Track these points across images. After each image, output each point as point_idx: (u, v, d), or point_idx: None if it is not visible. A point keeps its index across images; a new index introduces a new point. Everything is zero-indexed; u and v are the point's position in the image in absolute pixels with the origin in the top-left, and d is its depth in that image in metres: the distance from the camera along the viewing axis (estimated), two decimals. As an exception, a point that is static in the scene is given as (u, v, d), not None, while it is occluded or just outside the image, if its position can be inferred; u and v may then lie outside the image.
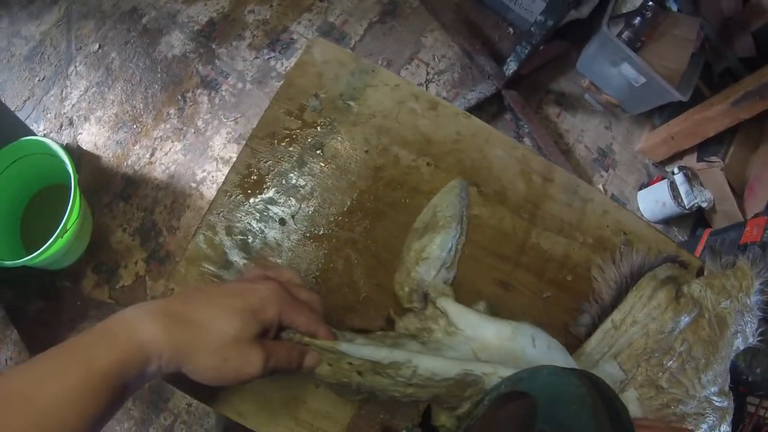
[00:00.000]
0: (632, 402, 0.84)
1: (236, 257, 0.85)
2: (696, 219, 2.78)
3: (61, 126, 2.32)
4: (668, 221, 2.72)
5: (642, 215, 2.72)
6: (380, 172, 0.92)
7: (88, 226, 2.10)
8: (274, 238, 0.87)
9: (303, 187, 0.90)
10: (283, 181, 0.90)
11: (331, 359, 0.72)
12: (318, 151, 0.92)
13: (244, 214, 0.88)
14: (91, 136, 2.32)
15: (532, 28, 2.10)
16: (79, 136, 2.32)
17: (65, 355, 0.54)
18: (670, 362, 0.85)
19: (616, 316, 0.87)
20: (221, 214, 0.88)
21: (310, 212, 0.89)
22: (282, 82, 0.96)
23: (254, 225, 0.87)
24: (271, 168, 0.90)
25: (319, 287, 0.86)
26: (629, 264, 0.94)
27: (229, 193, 0.89)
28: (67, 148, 2.23)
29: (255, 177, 0.90)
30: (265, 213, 0.88)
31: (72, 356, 0.54)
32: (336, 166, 0.92)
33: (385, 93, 0.97)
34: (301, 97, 0.95)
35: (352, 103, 0.95)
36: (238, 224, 0.87)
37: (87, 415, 0.53)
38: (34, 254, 1.74)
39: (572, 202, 0.99)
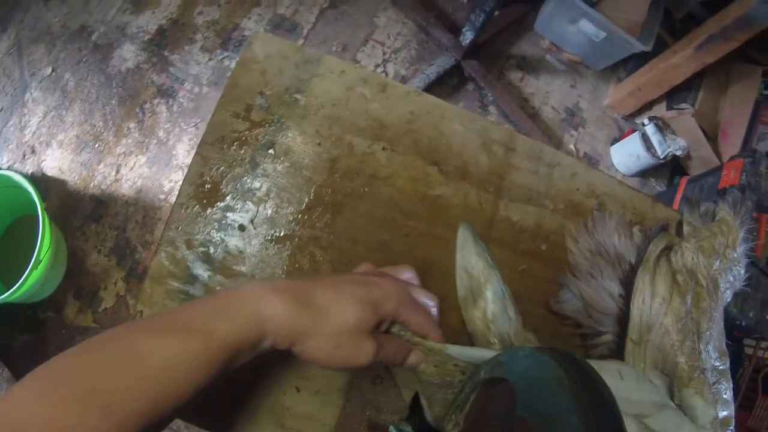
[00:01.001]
0: (695, 401, 0.79)
1: (200, 270, 0.82)
2: (672, 168, 2.79)
3: (24, 155, 2.28)
4: (644, 173, 2.72)
5: (617, 170, 2.72)
6: (335, 163, 0.90)
7: (62, 253, 2.06)
8: (236, 246, 0.84)
9: (258, 189, 0.87)
10: (238, 186, 0.87)
11: (437, 361, 0.73)
12: (270, 151, 0.89)
13: (202, 225, 0.85)
14: (55, 161, 2.28)
15: (485, -6, 2.08)
16: (43, 163, 2.28)
17: (190, 324, 0.57)
18: (691, 344, 0.82)
19: (633, 334, 0.83)
20: (180, 228, 0.85)
21: (269, 214, 0.86)
22: (226, 83, 0.93)
23: (214, 235, 0.85)
24: (224, 174, 0.87)
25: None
26: (602, 229, 0.91)
27: (185, 206, 0.86)
28: (32, 177, 2.22)
29: (209, 186, 0.87)
30: (223, 221, 0.85)
31: (196, 326, 0.56)
32: (289, 163, 0.89)
33: (332, 81, 0.94)
34: (246, 96, 0.92)
35: (299, 96, 0.92)
36: (198, 236, 0.84)
37: (196, 382, 0.54)
38: (11, 291, 1.71)
39: (538, 168, 0.97)
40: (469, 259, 0.83)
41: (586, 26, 2.52)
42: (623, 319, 0.84)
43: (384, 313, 0.66)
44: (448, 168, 0.93)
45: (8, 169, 2.18)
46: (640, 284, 0.84)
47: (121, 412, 0.49)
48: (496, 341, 0.79)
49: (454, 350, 0.72)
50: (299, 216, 0.87)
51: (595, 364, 0.72)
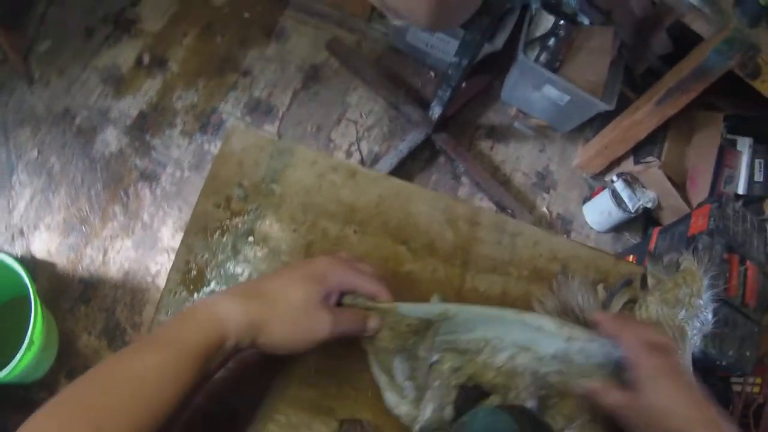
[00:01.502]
0: None
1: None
2: (645, 219, 2.82)
3: (13, 237, 2.33)
4: (618, 228, 2.77)
5: (591, 228, 2.77)
6: (311, 247, 0.96)
7: (53, 334, 2.09)
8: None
9: (240, 274, 0.93)
10: (222, 272, 0.93)
11: (391, 323, 0.79)
12: (249, 238, 0.95)
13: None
14: (44, 244, 2.33)
15: (449, 71, 2.15)
16: (32, 246, 2.32)
17: (160, 339, 0.64)
18: None
19: None
20: (169, 312, 0.91)
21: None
22: (207, 175, 1.00)
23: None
24: (209, 261, 0.94)
25: (274, 365, 0.87)
26: (566, 290, 0.95)
27: (173, 291, 0.92)
28: (21, 259, 2.25)
29: (195, 272, 0.93)
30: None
31: (165, 340, 0.63)
32: (268, 249, 0.95)
33: (304, 170, 1.01)
34: (225, 187, 0.98)
35: (274, 186, 0.99)
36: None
37: (177, 390, 0.59)
38: (4, 372, 1.73)
39: (501, 239, 1.02)
40: (454, 323, 0.85)
41: (550, 91, 2.60)
42: None
43: (330, 284, 0.74)
44: (416, 246, 0.99)
45: (-2, 251, 2.23)
46: None
47: (110, 430, 0.54)
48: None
49: (406, 308, 0.79)
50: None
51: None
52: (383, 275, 0.92)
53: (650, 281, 0.96)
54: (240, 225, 0.96)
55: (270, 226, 0.97)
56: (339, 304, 0.78)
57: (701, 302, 0.91)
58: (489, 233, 1.02)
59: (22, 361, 1.78)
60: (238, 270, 0.93)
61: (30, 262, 2.29)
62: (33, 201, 2.40)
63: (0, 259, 1.88)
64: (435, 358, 0.81)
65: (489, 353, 0.81)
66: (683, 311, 0.89)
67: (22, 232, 2.34)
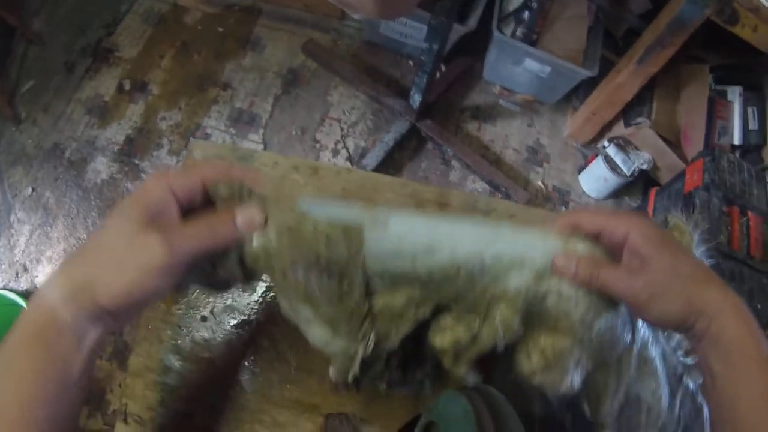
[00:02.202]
0: None
1: (172, 360, 0.89)
2: (644, 182, 2.81)
3: (17, 274, 2.35)
4: (617, 193, 2.75)
5: (589, 196, 2.77)
6: (279, 245, 0.96)
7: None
8: (201, 336, 0.91)
9: (214, 282, 0.94)
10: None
11: (290, 221, 0.60)
12: (220, 246, 0.96)
13: (169, 321, 0.92)
14: (47, 277, 2.32)
15: (422, 57, 2.16)
16: (36, 279, 2.34)
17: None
18: None
19: None
20: (150, 326, 0.93)
21: (227, 303, 0.94)
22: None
23: (181, 329, 0.92)
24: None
25: (253, 368, 0.89)
26: None
27: (152, 307, 0.93)
28: (27, 294, 2.26)
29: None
30: (187, 315, 0.93)
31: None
32: (238, 254, 0.96)
33: (267, 173, 1.02)
34: (192, 199, 0.99)
35: (239, 191, 1.00)
36: (167, 331, 0.91)
37: (28, 381, 0.52)
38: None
39: (475, 217, 1.02)
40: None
41: (531, 65, 2.60)
42: None
43: (148, 198, 0.57)
44: (386, 233, 0.99)
45: (4, 288, 2.24)
46: None
47: None
48: None
49: (310, 206, 0.62)
50: (254, 302, 0.94)
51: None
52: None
53: None
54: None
55: (238, 231, 0.97)
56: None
57: None
58: (461, 212, 1.03)
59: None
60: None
61: (36, 297, 2.29)
62: (32, 236, 2.42)
63: (5, 295, 1.91)
64: (377, 286, 0.64)
65: (466, 278, 0.63)
66: None
67: (25, 268, 2.36)
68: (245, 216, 0.59)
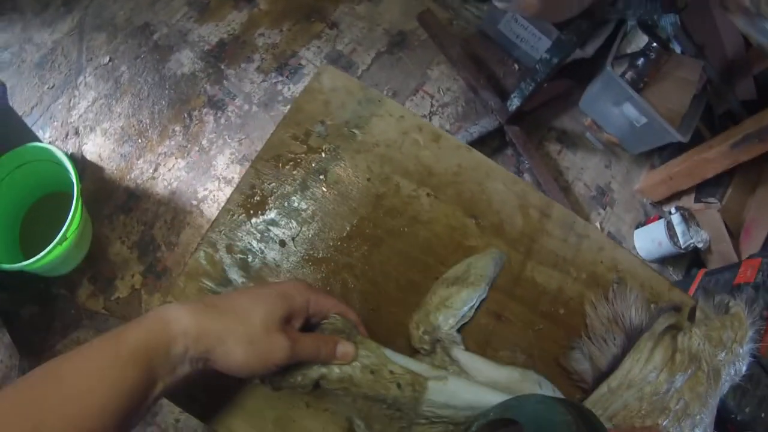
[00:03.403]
0: None
1: (235, 275, 0.86)
2: (691, 259, 2.78)
3: (67, 135, 2.35)
4: (663, 260, 2.72)
5: (638, 254, 2.73)
6: (381, 200, 0.95)
7: (87, 235, 2.11)
8: (274, 259, 0.89)
9: (305, 210, 0.92)
10: (285, 204, 0.92)
11: (374, 365, 0.73)
12: (321, 176, 0.94)
13: (245, 233, 0.90)
14: (96, 147, 2.34)
15: (537, 66, 2.12)
16: (84, 147, 2.34)
17: (101, 340, 0.59)
18: (665, 422, 0.84)
19: (613, 382, 0.86)
20: (223, 232, 0.89)
21: (310, 235, 0.91)
22: (289, 107, 0.98)
23: (255, 245, 0.89)
24: (275, 190, 0.92)
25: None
26: (621, 301, 0.94)
27: (231, 212, 0.91)
28: (71, 157, 2.26)
29: (258, 198, 0.92)
30: (266, 234, 0.90)
31: (106, 339, 0.59)
32: (338, 191, 0.94)
33: (389, 123, 1.00)
34: (307, 122, 0.97)
35: (357, 131, 0.98)
36: (239, 243, 0.89)
37: (115, 388, 0.56)
38: (33, 259, 1.74)
39: (568, 237, 1.00)
40: (480, 262, 0.89)
41: (629, 110, 2.56)
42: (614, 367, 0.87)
43: (294, 304, 0.69)
44: (485, 223, 0.97)
45: (50, 144, 2.24)
46: (642, 345, 0.87)
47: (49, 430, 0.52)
48: (427, 326, 0.84)
49: (391, 353, 0.74)
50: (339, 242, 0.91)
51: (517, 371, 0.82)
52: (447, 244, 0.91)
53: (698, 315, 0.96)
54: (314, 162, 0.95)
55: (344, 169, 0.95)
56: (310, 329, 0.74)
57: (741, 351, 0.91)
58: (557, 228, 1.01)
59: (52, 254, 1.79)
60: (303, 205, 0.92)
61: (80, 162, 2.30)
62: (95, 104, 2.41)
63: (52, 151, 1.88)
64: (420, 419, 0.76)
65: None
66: (723, 353, 0.89)
67: (77, 132, 2.35)
68: (345, 348, 0.72)
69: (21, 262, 1.75)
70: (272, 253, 0.89)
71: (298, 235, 0.91)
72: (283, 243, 0.90)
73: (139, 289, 2.13)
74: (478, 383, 0.77)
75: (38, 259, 1.75)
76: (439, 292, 0.87)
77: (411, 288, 0.91)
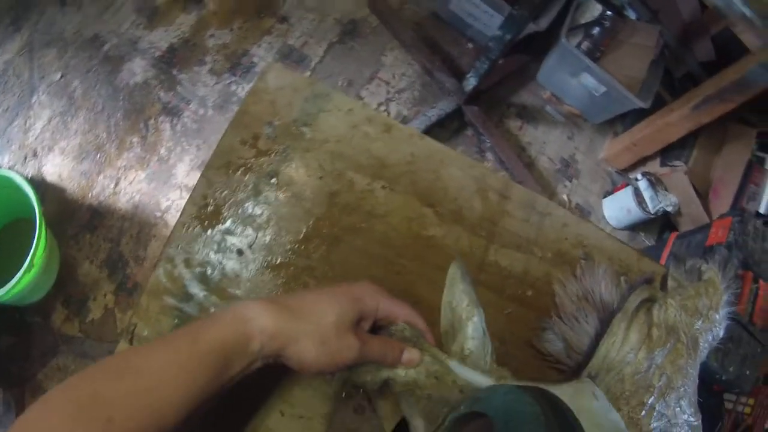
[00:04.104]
0: None
1: (196, 289, 0.85)
2: (662, 223, 2.81)
3: (26, 158, 2.31)
4: (634, 227, 2.74)
5: (608, 222, 2.75)
6: (335, 197, 0.93)
7: (55, 259, 2.08)
8: (233, 269, 0.87)
9: (259, 216, 0.90)
10: (239, 211, 0.90)
11: (438, 372, 0.75)
12: (273, 180, 0.92)
13: (202, 245, 0.88)
14: (56, 167, 2.31)
15: (490, 44, 2.12)
16: (44, 168, 2.30)
17: (176, 335, 0.61)
18: (651, 399, 0.83)
19: (591, 369, 0.85)
20: (180, 246, 0.87)
21: (267, 241, 0.89)
22: (236, 110, 0.97)
23: (212, 256, 0.87)
24: (227, 198, 0.91)
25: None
26: (590, 277, 0.94)
27: (186, 225, 0.89)
28: (31, 180, 2.23)
29: (211, 208, 0.90)
30: (222, 244, 0.88)
31: (182, 334, 0.61)
32: (291, 193, 0.92)
33: (338, 117, 0.98)
34: (255, 125, 0.95)
35: (305, 129, 0.96)
36: (197, 256, 0.87)
37: (191, 381, 0.58)
38: (1, 291, 1.72)
39: (530, 217, 1.00)
40: (455, 296, 0.84)
41: (587, 80, 2.57)
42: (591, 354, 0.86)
43: (365, 308, 0.71)
44: (443, 210, 0.96)
45: (9, 170, 2.20)
46: (615, 328, 0.86)
47: (121, 423, 0.52)
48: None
49: (456, 366, 0.76)
50: (296, 245, 0.90)
51: (571, 387, 0.77)
52: (405, 236, 0.91)
53: (671, 283, 0.96)
54: (265, 165, 0.93)
55: (296, 170, 0.94)
56: (376, 331, 0.76)
57: (718, 317, 0.91)
58: (518, 209, 1.00)
59: (20, 283, 1.77)
60: (257, 211, 0.91)
61: (40, 184, 2.27)
62: (50, 123, 2.37)
63: (10, 177, 1.86)
64: None
65: None
66: (700, 322, 0.89)
67: (35, 153, 2.32)
68: (410, 355, 0.74)
69: (-10, 294, 1.72)
70: (231, 263, 0.87)
71: (254, 242, 0.89)
72: (240, 252, 0.88)
73: (112, 308, 2.10)
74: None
75: (7, 291, 1.73)
76: (452, 350, 0.84)
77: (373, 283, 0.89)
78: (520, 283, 0.95)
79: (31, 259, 1.76)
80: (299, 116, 0.97)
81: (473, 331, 0.81)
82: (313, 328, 0.66)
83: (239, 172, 0.92)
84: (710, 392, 1.91)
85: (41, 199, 1.90)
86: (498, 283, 0.94)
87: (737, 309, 1.89)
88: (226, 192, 0.91)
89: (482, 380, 0.75)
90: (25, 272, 1.74)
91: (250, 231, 0.89)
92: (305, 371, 0.67)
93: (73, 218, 2.23)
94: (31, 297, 2.02)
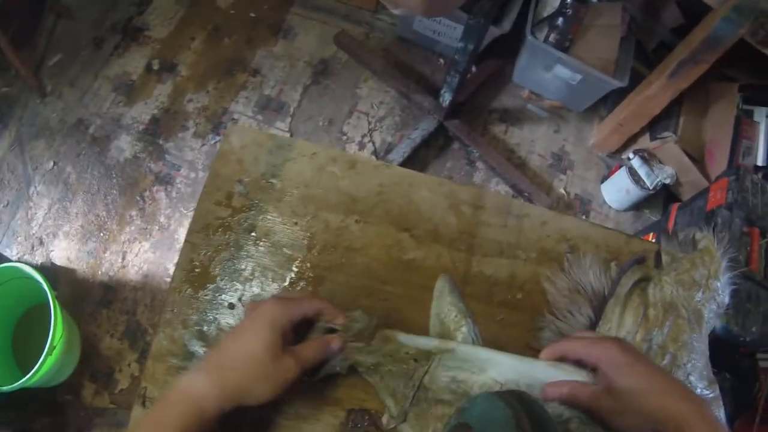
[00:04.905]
0: None
1: (196, 347, 0.88)
2: (665, 196, 2.79)
3: (33, 247, 2.36)
4: (637, 206, 2.73)
5: (609, 206, 2.75)
6: (313, 239, 0.96)
7: (75, 338, 2.12)
8: (227, 323, 0.90)
9: (244, 270, 0.94)
10: (225, 268, 0.94)
11: (391, 351, 0.82)
12: (251, 233, 0.96)
13: (195, 306, 0.91)
14: (63, 251, 2.36)
15: (456, 56, 2.14)
16: (52, 253, 2.36)
17: (142, 427, 0.70)
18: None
19: None
20: (175, 310, 0.91)
21: (255, 291, 0.92)
22: (207, 176, 1.00)
23: (207, 315, 0.91)
24: (212, 258, 0.94)
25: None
26: (578, 269, 0.95)
27: (178, 290, 0.93)
28: (41, 267, 2.29)
29: (198, 270, 0.93)
30: (214, 301, 0.92)
31: (147, 425, 0.70)
32: (270, 243, 0.95)
33: (303, 163, 1.01)
34: (226, 185, 0.99)
35: (274, 180, 0.99)
36: (193, 317, 0.90)
37: None
38: (27, 376, 1.76)
39: (507, 222, 1.01)
40: (443, 308, 0.86)
41: (561, 71, 2.58)
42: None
43: (281, 325, 0.75)
44: (419, 232, 0.98)
45: (18, 260, 2.25)
46: (610, 314, 0.87)
47: None
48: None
49: (404, 338, 0.83)
50: (283, 291, 0.93)
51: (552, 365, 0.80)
52: (387, 264, 0.94)
53: (664, 259, 0.95)
54: (242, 221, 0.97)
55: (271, 220, 0.97)
56: (303, 337, 0.82)
57: (719, 284, 0.89)
58: (494, 216, 1.02)
59: (44, 366, 1.80)
60: (242, 265, 0.94)
61: (50, 270, 2.32)
62: (51, 210, 2.43)
63: (20, 268, 1.91)
64: (445, 397, 0.81)
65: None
66: (700, 293, 0.88)
67: (41, 242, 2.37)
68: (336, 342, 0.80)
69: (18, 380, 1.76)
70: (225, 318, 0.91)
71: (243, 294, 0.92)
72: (232, 306, 0.91)
73: (138, 376, 2.14)
74: (484, 348, 0.82)
75: (33, 375, 1.77)
76: None
77: (361, 314, 0.92)
78: (508, 288, 0.97)
79: (51, 342, 1.80)
80: (266, 169, 1.00)
81: (462, 341, 0.83)
82: (253, 372, 0.72)
83: (219, 231, 0.96)
84: (741, 355, 1.90)
85: (54, 283, 1.94)
86: (486, 293, 0.96)
87: (751, 267, 1.90)
88: (210, 252, 0.94)
89: (427, 342, 0.82)
90: (47, 355, 1.78)
91: (237, 285, 0.93)
92: (263, 404, 0.73)
93: (87, 297, 2.28)
94: (59, 377, 2.06)
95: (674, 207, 2.44)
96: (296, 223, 0.97)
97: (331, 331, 0.82)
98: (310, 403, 0.85)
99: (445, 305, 0.86)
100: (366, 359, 0.82)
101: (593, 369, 0.78)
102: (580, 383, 0.77)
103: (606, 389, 0.73)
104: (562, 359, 0.81)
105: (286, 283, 0.93)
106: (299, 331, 0.81)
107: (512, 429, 0.56)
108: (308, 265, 0.95)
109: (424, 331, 0.88)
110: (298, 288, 0.93)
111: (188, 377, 0.71)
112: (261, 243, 0.95)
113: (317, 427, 0.84)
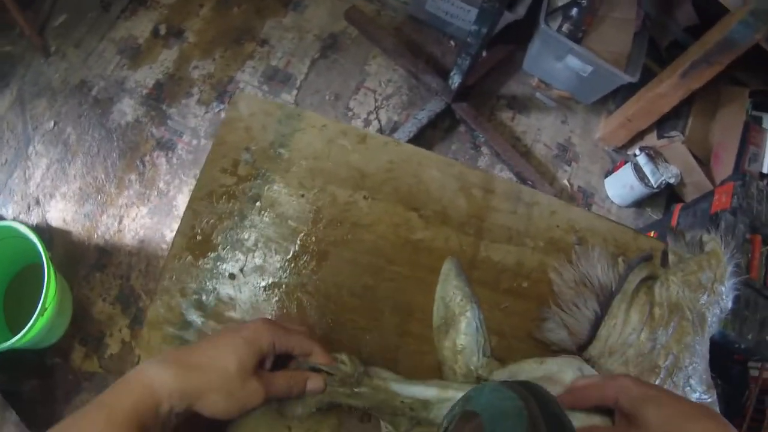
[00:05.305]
0: None
1: (194, 316, 0.86)
2: (668, 195, 2.79)
3: (29, 206, 2.34)
4: (640, 203, 2.73)
5: (612, 202, 2.74)
6: (319, 213, 0.94)
7: (67, 301, 2.11)
8: (227, 294, 0.88)
9: (247, 240, 0.92)
10: (228, 237, 0.92)
11: (384, 401, 0.77)
12: (256, 203, 0.93)
13: (195, 274, 0.89)
14: (59, 213, 2.34)
15: (469, 39, 2.12)
16: (48, 214, 2.34)
17: (93, 406, 0.62)
18: (657, 381, 0.82)
19: (593, 350, 0.85)
20: (174, 277, 0.89)
21: (257, 263, 0.90)
22: (213, 142, 0.98)
23: (206, 284, 0.89)
24: (215, 226, 0.92)
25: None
26: (585, 261, 0.93)
27: (178, 257, 0.90)
28: (37, 227, 2.28)
29: (200, 237, 0.91)
30: (214, 271, 0.89)
31: (99, 406, 0.62)
32: (275, 214, 0.93)
33: (313, 135, 0.99)
34: (233, 153, 0.96)
35: (282, 151, 0.97)
36: (192, 285, 0.88)
37: None
38: (17, 337, 1.75)
39: (517, 209, 1.00)
40: (448, 291, 0.85)
41: (573, 62, 2.57)
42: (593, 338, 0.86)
43: (261, 347, 0.72)
44: (428, 213, 0.97)
45: (14, 220, 2.23)
46: (616, 310, 0.85)
47: None
48: (460, 373, 0.81)
49: (397, 387, 0.77)
50: (286, 264, 0.91)
51: (557, 363, 0.78)
52: (394, 242, 0.92)
53: (671, 258, 0.94)
54: (247, 190, 0.94)
55: (278, 191, 0.95)
56: (282, 366, 0.78)
57: (723, 289, 0.89)
58: (503, 202, 1.00)
59: (35, 327, 1.80)
60: (245, 235, 0.92)
61: (46, 231, 2.30)
62: (49, 171, 2.40)
63: (15, 227, 1.89)
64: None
65: None
66: (705, 296, 0.87)
67: (38, 202, 2.35)
68: (314, 384, 0.76)
69: (9, 339, 1.76)
70: (225, 288, 0.89)
71: (245, 265, 0.90)
72: (232, 276, 0.89)
73: (129, 341, 2.14)
74: None
75: (23, 336, 1.76)
76: (444, 345, 0.84)
77: (366, 293, 0.90)
78: (515, 276, 0.95)
79: (44, 303, 1.79)
80: (275, 138, 0.98)
81: (466, 326, 0.81)
82: (217, 381, 0.68)
83: (223, 200, 0.93)
84: (733, 362, 1.90)
85: (49, 245, 1.93)
86: (492, 279, 0.94)
87: (751, 275, 1.90)
88: (212, 221, 0.92)
89: (426, 391, 0.77)
90: (38, 316, 1.77)
91: (239, 255, 0.91)
92: (217, 419, 0.69)
93: (82, 260, 2.27)
94: (49, 339, 2.05)
95: (677, 207, 2.44)
96: (303, 196, 0.95)
97: (313, 368, 0.77)
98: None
99: (450, 289, 0.85)
100: (355, 403, 0.77)
101: (604, 412, 0.75)
102: (601, 427, 0.74)
103: (629, 426, 0.70)
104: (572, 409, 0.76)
105: (290, 256, 0.91)
106: (280, 363, 0.78)
107: (524, 421, 0.54)
108: (313, 239, 0.93)
109: (430, 316, 0.87)
110: (301, 261, 0.91)
111: (150, 366, 0.67)
112: (266, 213, 0.93)
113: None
